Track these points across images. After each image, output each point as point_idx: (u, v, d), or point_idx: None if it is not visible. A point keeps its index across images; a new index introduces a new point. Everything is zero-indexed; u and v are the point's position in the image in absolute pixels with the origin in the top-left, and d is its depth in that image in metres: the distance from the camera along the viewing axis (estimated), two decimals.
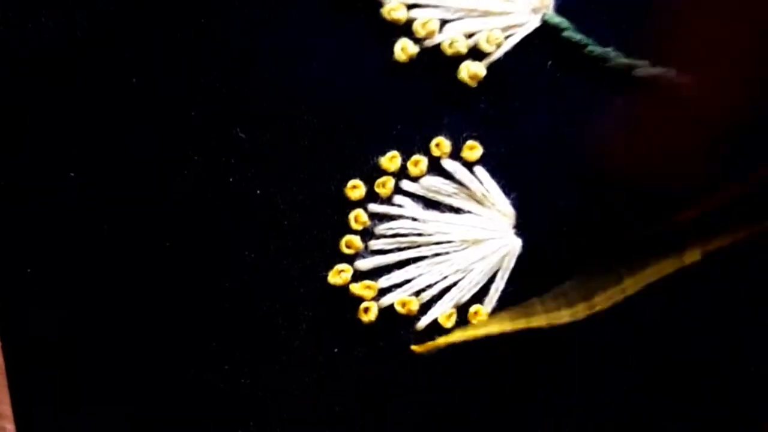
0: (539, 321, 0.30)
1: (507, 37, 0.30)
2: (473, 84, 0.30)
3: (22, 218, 0.32)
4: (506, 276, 0.31)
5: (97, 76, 0.31)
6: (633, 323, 0.31)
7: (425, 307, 0.31)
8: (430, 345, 0.31)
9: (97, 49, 0.31)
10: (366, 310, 0.31)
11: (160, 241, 0.31)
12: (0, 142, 0.31)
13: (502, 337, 0.31)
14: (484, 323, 0.31)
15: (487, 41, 0.30)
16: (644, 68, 0.30)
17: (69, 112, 0.31)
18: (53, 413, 0.32)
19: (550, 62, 0.31)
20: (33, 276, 0.32)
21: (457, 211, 0.31)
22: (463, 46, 0.30)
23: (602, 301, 0.30)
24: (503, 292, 0.31)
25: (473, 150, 0.31)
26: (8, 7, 0.31)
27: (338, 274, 0.31)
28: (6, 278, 0.32)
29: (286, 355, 0.32)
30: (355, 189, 0.31)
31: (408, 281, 0.31)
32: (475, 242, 0.31)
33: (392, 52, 0.30)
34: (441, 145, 0.31)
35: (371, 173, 0.31)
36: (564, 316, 0.30)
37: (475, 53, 0.30)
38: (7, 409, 0.32)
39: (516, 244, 0.31)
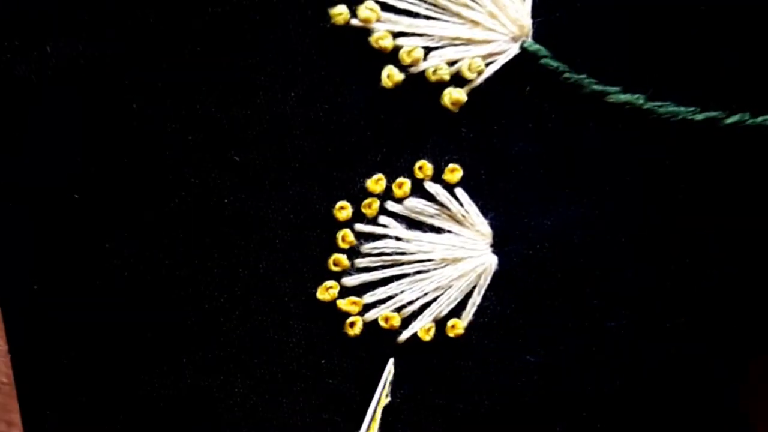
0: None
1: (488, 65, 0.31)
2: (455, 109, 0.31)
3: (26, 227, 0.32)
4: (482, 292, 0.32)
5: (100, 98, 0.31)
6: None
7: (406, 322, 0.32)
8: None
9: (100, 74, 0.31)
10: (352, 324, 0.32)
11: (157, 257, 0.32)
12: (2, 146, 0.32)
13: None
14: None
15: (469, 69, 0.31)
16: (616, 95, 0.31)
17: (72, 131, 0.32)
18: (62, 421, 0.32)
19: (528, 88, 0.31)
20: (41, 287, 0.32)
21: (438, 230, 0.32)
22: (446, 73, 0.31)
23: None
24: (479, 306, 0.32)
25: (454, 172, 0.32)
26: (16, 33, 0.31)
27: (326, 291, 0.32)
28: (14, 289, 0.32)
29: (277, 366, 0.32)
30: (343, 210, 0.32)
31: (391, 297, 0.32)
32: (455, 260, 0.32)
33: (379, 79, 0.31)
34: (424, 167, 0.32)
35: (358, 195, 0.32)
36: None
37: (458, 80, 0.31)
38: (17, 418, 0.32)
39: (492, 262, 0.32)
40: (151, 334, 0.33)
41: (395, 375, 0.32)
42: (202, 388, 0.33)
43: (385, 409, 0.32)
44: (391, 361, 0.32)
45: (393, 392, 0.32)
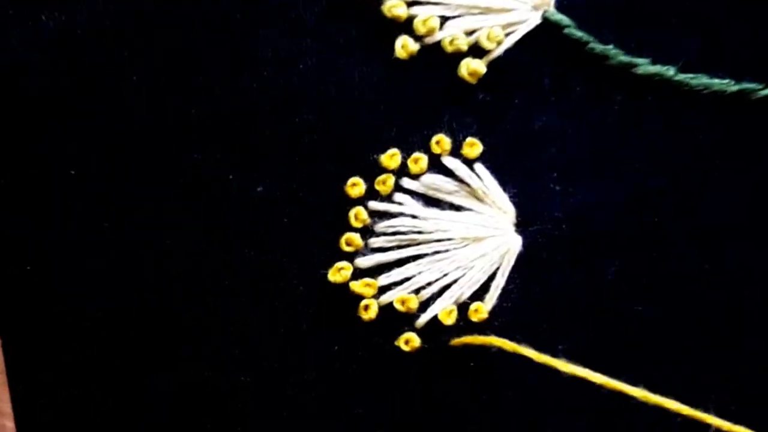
0: None
1: (507, 35, 0.31)
2: (473, 81, 0.31)
3: (21, 217, 0.32)
4: (506, 273, 0.31)
5: (98, 74, 0.31)
6: None
7: (425, 305, 0.32)
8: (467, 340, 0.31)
9: (99, 48, 0.31)
10: (366, 307, 0.31)
11: (160, 238, 0.32)
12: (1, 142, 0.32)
13: None
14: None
15: (488, 38, 0.30)
16: (644, 66, 0.30)
17: (68, 113, 0.31)
18: (53, 411, 0.32)
19: (550, 60, 0.31)
20: (32, 274, 0.32)
21: (457, 208, 0.32)
22: (463, 44, 0.31)
23: None
24: (504, 289, 0.31)
25: (473, 147, 0.31)
26: (8, 6, 0.31)
27: (338, 272, 0.31)
28: (5, 276, 0.32)
29: (286, 353, 0.32)
30: (355, 186, 0.31)
31: (408, 279, 0.31)
32: (476, 240, 0.31)
33: (393, 50, 0.30)
34: (441, 142, 0.31)
35: (371, 171, 0.31)
36: None
37: (476, 50, 0.31)
38: (7, 407, 0.32)
39: (516, 242, 0.31)
40: (153, 318, 0.32)
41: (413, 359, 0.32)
42: (208, 376, 0.32)
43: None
44: None
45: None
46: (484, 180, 0.31)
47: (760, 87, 0.30)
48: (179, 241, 0.32)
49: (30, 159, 0.32)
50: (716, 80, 0.30)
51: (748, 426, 0.31)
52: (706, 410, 0.31)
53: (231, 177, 0.31)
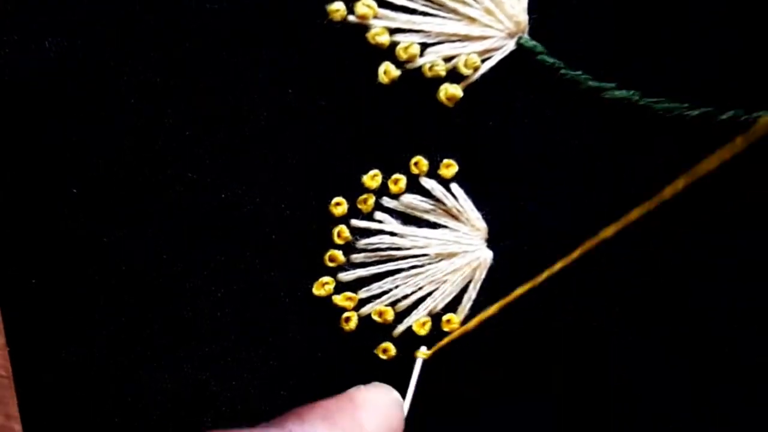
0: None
1: (484, 61, 0.31)
2: (451, 105, 0.31)
3: (24, 222, 0.32)
4: (478, 286, 0.32)
5: (97, 89, 0.32)
6: None
7: (401, 316, 0.32)
8: (435, 348, 0.32)
9: (95, 67, 0.31)
10: (347, 319, 0.32)
11: (153, 252, 0.32)
12: (2, 149, 0.32)
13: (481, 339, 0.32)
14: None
15: (465, 65, 0.31)
16: (611, 91, 0.31)
17: (68, 127, 0.32)
18: (60, 414, 0.33)
19: (524, 85, 0.31)
20: (38, 279, 0.32)
21: (433, 226, 0.32)
22: (442, 69, 0.31)
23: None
24: (475, 301, 0.32)
25: (450, 168, 0.32)
26: (13, 31, 0.31)
27: (322, 286, 0.32)
28: (11, 282, 0.32)
29: (273, 361, 0.33)
30: (339, 206, 0.32)
31: (386, 292, 0.32)
32: (450, 255, 0.32)
33: (376, 75, 0.31)
34: (419, 163, 0.32)
35: (354, 190, 0.32)
36: None
37: (454, 76, 0.31)
38: (15, 410, 0.32)
39: (488, 257, 0.32)
40: (148, 327, 0.33)
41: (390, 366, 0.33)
42: (201, 382, 0.33)
43: None
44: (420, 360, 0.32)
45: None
46: (459, 199, 0.32)
47: (718, 111, 0.30)
48: (171, 254, 0.32)
49: (30, 160, 0.32)
50: (676, 104, 0.31)
51: None
52: None
53: (223, 196, 0.32)
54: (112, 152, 0.32)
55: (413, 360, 0.32)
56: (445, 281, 0.32)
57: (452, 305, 0.33)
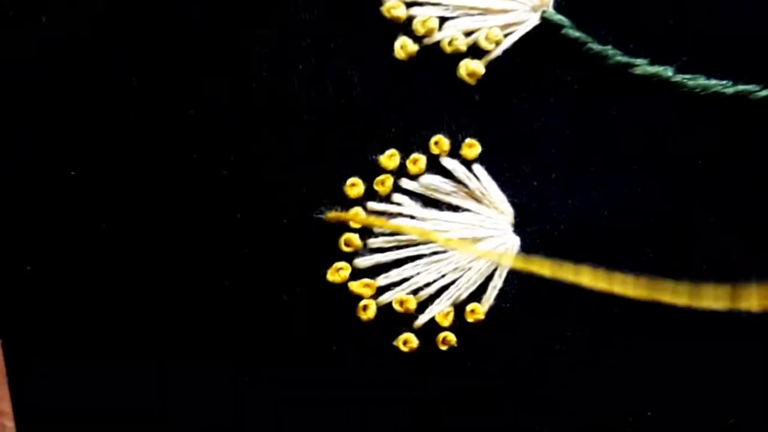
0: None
1: (506, 35, 0.31)
2: (472, 82, 0.31)
3: (21, 216, 0.32)
4: (504, 274, 0.31)
5: (96, 75, 0.31)
6: None
7: (423, 305, 0.32)
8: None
9: (98, 49, 0.31)
10: (365, 308, 0.31)
11: (160, 239, 0.32)
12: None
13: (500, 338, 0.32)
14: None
15: (487, 39, 0.30)
16: (643, 66, 0.30)
17: (68, 113, 0.31)
18: (53, 410, 0.32)
19: (549, 60, 0.31)
20: (32, 273, 0.32)
21: (455, 209, 0.32)
22: (462, 44, 0.30)
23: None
24: (501, 290, 0.32)
25: (472, 148, 0.31)
26: (7, 8, 0.31)
27: (337, 272, 0.31)
28: (5, 275, 0.32)
29: (285, 353, 0.32)
30: (354, 187, 0.31)
31: (406, 279, 0.32)
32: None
33: (392, 50, 0.30)
34: (440, 143, 0.31)
35: (370, 171, 0.31)
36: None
37: (475, 51, 0.31)
38: (7, 406, 0.32)
39: (514, 242, 0.31)
40: (152, 318, 0.32)
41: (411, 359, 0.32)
42: (206, 376, 0.32)
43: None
44: None
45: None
46: (482, 181, 0.31)
47: (758, 88, 0.30)
48: (180, 241, 0.32)
49: (29, 159, 0.31)
50: (714, 81, 0.30)
51: None
52: None
53: (231, 178, 0.31)
54: (112, 136, 0.31)
55: (436, 352, 0.32)
56: (469, 268, 0.31)
57: (477, 294, 0.32)
